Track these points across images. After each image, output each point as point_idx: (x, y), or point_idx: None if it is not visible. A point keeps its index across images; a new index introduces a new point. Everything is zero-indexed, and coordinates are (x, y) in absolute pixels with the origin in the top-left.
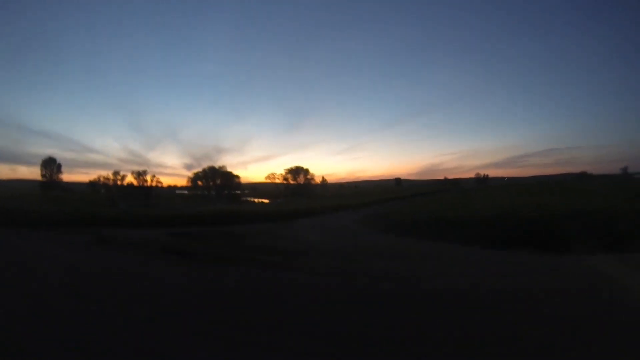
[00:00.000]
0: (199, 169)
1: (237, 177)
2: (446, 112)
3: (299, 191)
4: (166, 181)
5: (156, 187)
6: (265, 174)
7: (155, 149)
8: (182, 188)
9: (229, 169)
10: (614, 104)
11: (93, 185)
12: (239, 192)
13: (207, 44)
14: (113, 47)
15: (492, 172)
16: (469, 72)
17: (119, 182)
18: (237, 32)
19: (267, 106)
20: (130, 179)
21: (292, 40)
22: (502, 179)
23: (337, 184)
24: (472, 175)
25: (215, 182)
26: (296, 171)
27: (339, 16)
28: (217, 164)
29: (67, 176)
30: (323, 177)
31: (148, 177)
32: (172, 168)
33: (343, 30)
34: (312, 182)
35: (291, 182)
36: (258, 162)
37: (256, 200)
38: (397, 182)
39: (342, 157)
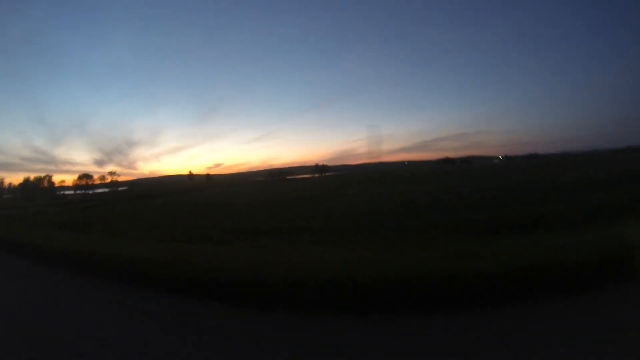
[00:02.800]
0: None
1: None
2: (358, 98)
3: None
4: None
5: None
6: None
7: (62, 144)
8: None
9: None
10: (524, 91)
11: None
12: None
13: (116, 29)
14: (12, 30)
15: (404, 157)
16: (379, 59)
17: None
18: (147, 18)
19: (179, 96)
20: None
21: (203, 27)
22: (402, 162)
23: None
24: (391, 159)
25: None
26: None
27: (250, 5)
28: (127, 158)
29: None
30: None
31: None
32: (81, 165)
33: (253, 20)
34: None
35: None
36: (171, 154)
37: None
38: (208, 178)
39: (255, 145)
